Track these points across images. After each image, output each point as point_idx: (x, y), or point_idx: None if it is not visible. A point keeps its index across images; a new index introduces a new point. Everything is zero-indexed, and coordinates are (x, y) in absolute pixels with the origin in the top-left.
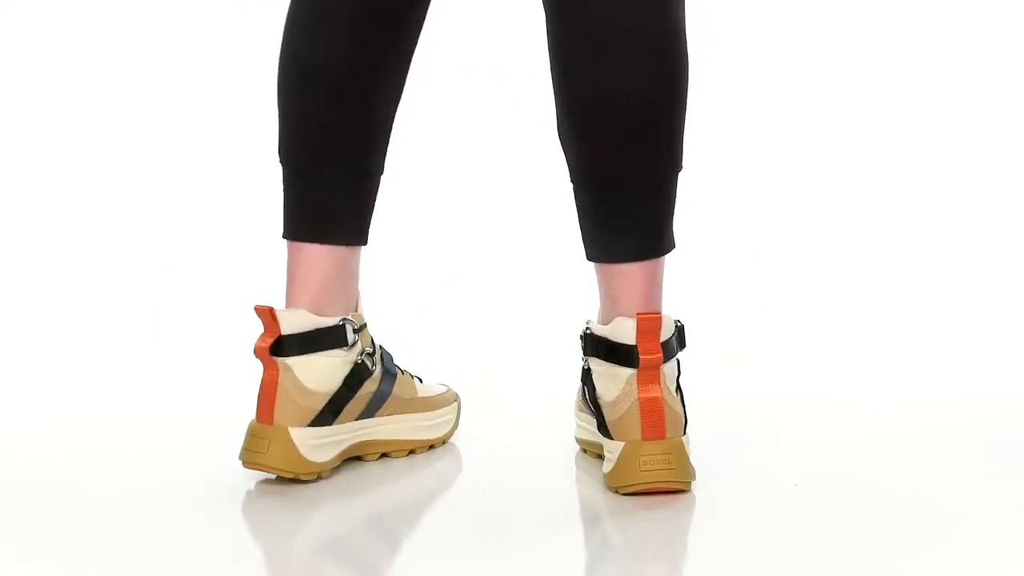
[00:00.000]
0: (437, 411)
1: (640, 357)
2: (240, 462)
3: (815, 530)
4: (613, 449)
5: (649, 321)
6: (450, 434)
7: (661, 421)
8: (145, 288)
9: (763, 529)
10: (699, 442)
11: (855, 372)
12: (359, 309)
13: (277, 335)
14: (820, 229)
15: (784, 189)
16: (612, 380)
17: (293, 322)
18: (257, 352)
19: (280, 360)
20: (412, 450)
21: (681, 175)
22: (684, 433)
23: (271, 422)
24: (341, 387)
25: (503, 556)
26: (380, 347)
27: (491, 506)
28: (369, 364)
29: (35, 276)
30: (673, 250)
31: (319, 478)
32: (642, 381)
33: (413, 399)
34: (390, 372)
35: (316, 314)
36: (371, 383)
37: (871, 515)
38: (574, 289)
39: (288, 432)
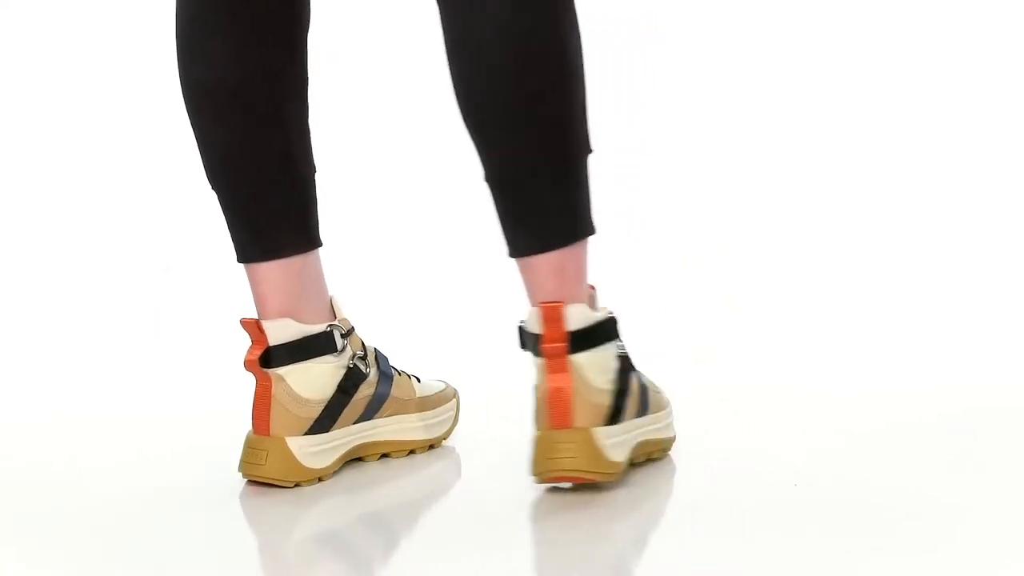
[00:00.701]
0: (436, 410)
1: (543, 346)
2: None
3: (814, 529)
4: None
5: (549, 310)
6: (450, 431)
7: (566, 410)
8: (145, 288)
9: (764, 529)
10: (683, 438)
11: (824, 363)
12: (341, 313)
13: (265, 346)
14: (782, 223)
15: (747, 184)
16: (535, 370)
17: (280, 332)
18: (247, 365)
19: (272, 371)
20: (412, 450)
21: (638, 165)
22: (615, 422)
23: (267, 433)
24: (336, 392)
25: (503, 556)
26: (375, 349)
27: (490, 506)
28: (363, 368)
29: (35, 276)
30: (588, 236)
31: (320, 481)
32: (549, 370)
33: (412, 399)
34: (387, 374)
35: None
36: (367, 386)
37: (869, 513)
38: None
39: (285, 442)
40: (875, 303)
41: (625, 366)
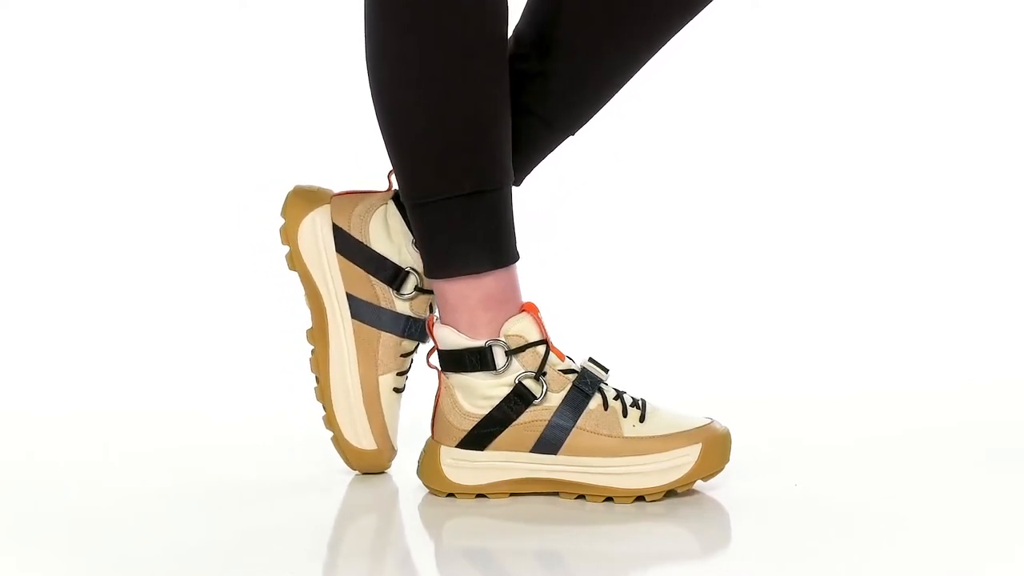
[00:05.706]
0: None
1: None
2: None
3: (816, 531)
4: None
5: (428, 324)
6: None
7: (434, 422)
8: (145, 288)
9: (764, 530)
10: None
11: (809, 366)
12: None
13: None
14: (762, 225)
15: (726, 188)
16: None
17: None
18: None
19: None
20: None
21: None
22: (477, 447)
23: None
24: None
25: (502, 554)
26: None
27: (489, 505)
28: (532, 389)
29: (36, 276)
30: (460, 275)
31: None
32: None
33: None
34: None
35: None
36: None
37: (868, 514)
38: (576, 289)
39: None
40: (859, 305)
41: (526, 396)
